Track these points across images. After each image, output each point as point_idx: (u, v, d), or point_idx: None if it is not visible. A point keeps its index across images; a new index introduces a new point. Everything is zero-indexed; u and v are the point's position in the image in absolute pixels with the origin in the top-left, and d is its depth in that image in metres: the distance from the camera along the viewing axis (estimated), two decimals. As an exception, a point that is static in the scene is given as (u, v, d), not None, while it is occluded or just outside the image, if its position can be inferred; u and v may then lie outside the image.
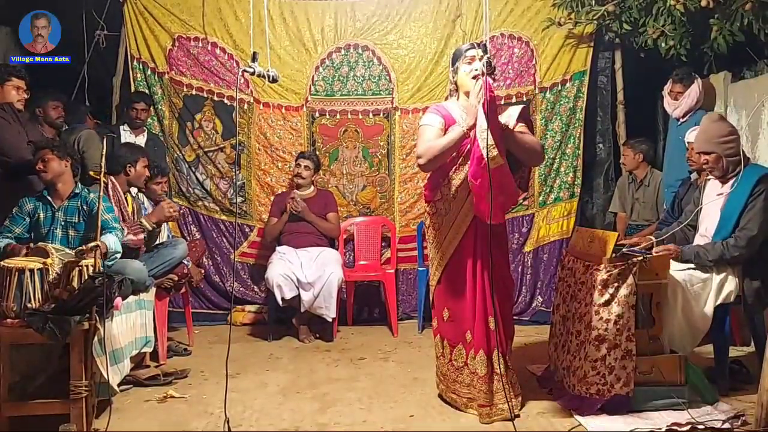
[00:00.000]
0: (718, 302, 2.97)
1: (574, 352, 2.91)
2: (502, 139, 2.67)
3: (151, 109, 4.62)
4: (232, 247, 4.76)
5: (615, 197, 4.71)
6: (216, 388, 3.19)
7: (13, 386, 2.71)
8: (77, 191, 3.22)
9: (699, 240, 3.17)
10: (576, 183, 4.84)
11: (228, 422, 2.58)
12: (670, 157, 4.37)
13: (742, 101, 4.05)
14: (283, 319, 4.39)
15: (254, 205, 4.83)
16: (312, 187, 4.57)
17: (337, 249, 4.53)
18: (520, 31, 4.76)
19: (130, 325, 3.06)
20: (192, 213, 4.82)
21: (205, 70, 4.76)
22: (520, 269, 4.80)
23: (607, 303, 2.77)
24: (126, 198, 3.61)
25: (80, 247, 2.83)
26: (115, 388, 2.85)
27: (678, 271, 2.97)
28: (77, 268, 2.69)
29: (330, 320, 4.17)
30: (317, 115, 4.83)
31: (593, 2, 4.45)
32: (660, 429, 2.62)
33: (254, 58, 2.70)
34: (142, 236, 3.48)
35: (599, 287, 2.78)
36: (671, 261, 2.96)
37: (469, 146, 2.77)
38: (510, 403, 2.71)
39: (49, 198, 3.18)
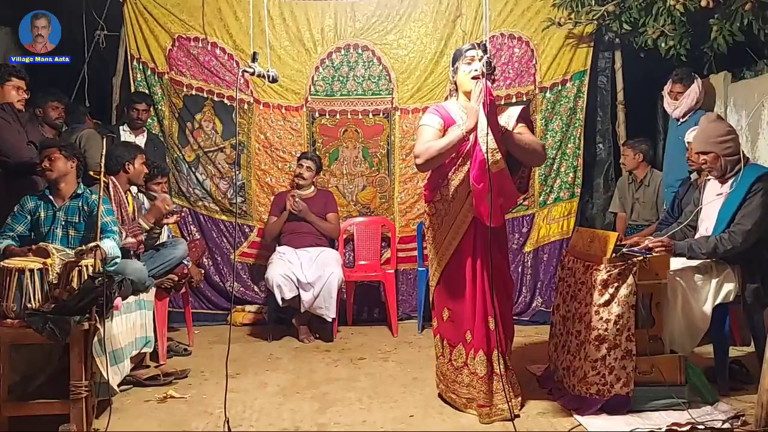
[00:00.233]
0: (718, 302, 2.97)
1: (574, 352, 2.91)
2: (502, 141, 2.67)
3: (151, 109, 4.62)
4: (232, 247, 4.76)
5: (615, 197, 4.71)
6: (216, 388, 3.20)
7: (13, 386, 2.71)
8: (80, 192, 3.22)
9: (699, 240, 3.17)
10: (576, 183, 4.85)
11: (228, 422, 2.58)
12: (670, 157, 4.37)
13: (742, 101, 4.05)
14: (283, 319, 4.39)
15: (254, 205, 4.83)
16: (312, 187, 4.57)
17: (336, 249, 4.53)
18: (520, 31, 4.76)
19: (130, 325, 3.06)
20: (192, 213, 4.82)
21: (205, 70, 4.76)
22: (520, 269, 4.80)
23: (607, 303, 2.78)
24: (126, 197, 3.60)
25: (80, 248, 2.83)
26: (115, 388, 2.85)
27: (678, 271, 2.97)
28: (77, 269, 2.69)
29: (330, 320, 4.17)
30: (317, 115, 4.83)
31: (593, 2, 4.45)
32: (660, 429, 2.62)
33: (254, 59, 2.70)
34: (141, 237, 3.48)
35: (599, 287, 2.79)
36: (671, 260, 2.96)
37: (468, 147, 2.77)
38: (510, 404, 2.71)
39: (51, 197, 3.18)
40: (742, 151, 3.10)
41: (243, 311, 4.70)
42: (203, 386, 3.31)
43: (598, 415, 2.77)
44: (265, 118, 4.80)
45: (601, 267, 2.81)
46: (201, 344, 4.12)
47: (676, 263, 3.00)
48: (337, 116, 4.83)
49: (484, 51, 2.73)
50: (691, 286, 2.95)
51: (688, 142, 3.68)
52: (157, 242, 3.76)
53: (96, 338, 2.64)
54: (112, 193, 3.47)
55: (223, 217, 4.82)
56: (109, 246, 3.08)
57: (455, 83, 2.96)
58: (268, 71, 2.79)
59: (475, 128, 2.70)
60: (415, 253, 4.73)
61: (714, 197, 3.14)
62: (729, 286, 2.98)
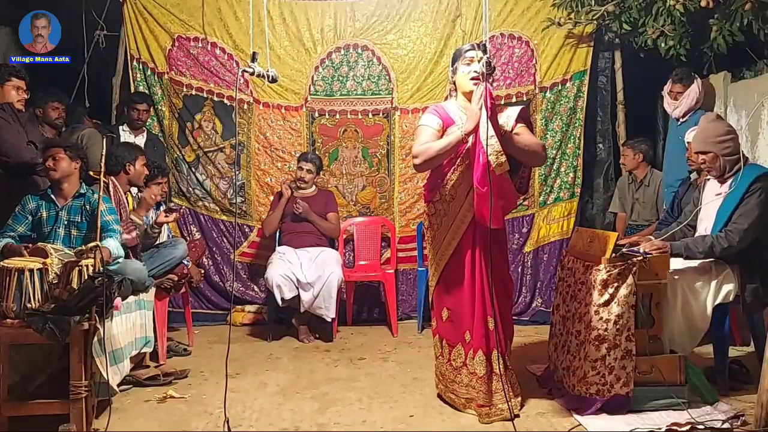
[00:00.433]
0: (718, 302, 2.97)
1: (573, 352, 2.92)
2: (501, 142, 2.68)
3: (151, 109, 4.62)
4: (232, 247, 4.76)
5: (615, 197, 4.71)
6: (216, 388, 3.20)
7: (13, 386, 2.71)
8: (82, 192, 3.22)
9: (698, 240, 3.17)
10: (576, 183, 4.85)
11: (228, 422, 2.58)
12: (669, 157, 4.37)
13: (742, 101, 4.05)
14: (283, 320, 4.39)
15: (254, 205, 4.83)
16: (313, 187, 4.57)
17: (336, 249, 4.53)
18: (520, 31, 4.76)
19: (129, 325, 3.06)
20: (192, 213, 4.82)
21: (204, 70, 4.76)
22: (520, 269, 4.80)
23: (607, 303, 2.78)
24: (126, 198, 3.61)
25: (80, 247, 2.83)
26: (115, 388, 2.85)
27: (678, 271, 2.97)
28: (77, 269, 2.69)
29: (330, 320, 4.17)
30: (317, 115, 4.83)
31: (593, 2, 4.45)
32: (660, 429, 2.62)
33: (254, 58, 2.70)
34: (134, 233, 3.47)
35: (599, 287, 2.79)
36: (671, 260, 2.96)
37: (467, 148, 2.77)
38: (509, 403, 2.71)
39: (53, 197, 3.18)
40: (742, 151, 3.10)
41: (243, 311, 4.70)
42: (203, 386, 3.31)
43: (598, 415, 2.78)
44: (264, 118, 4.80)
45: (600, 267, 2.81)
46: (201, 344, 4.12)
47: (676, 263, 3.00)
48: (337, 116, 4.83)
49: (484, 51, 2.73)
50: (690, 286, 2.95)
51: (687, 142, 3.68)
52: (157, 242, 3.76)
53: (96, 338, 2.64)
54: (111, 193, 3.47)
55: (223, 217, 4.82)
56: (113, 246, 3.08)
57: (454, 83, 2.95)
58: (267, 71, 2.79)
59: (474, 130, 2.70)
60: (415, 253, 4.73)
61: (713, 197, 3.14)
62: (729, 286, 2.98)
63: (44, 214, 3.16)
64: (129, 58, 4.75)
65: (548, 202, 4.86)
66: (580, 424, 2.72)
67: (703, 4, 3.80)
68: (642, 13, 4.32)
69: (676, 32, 4.13)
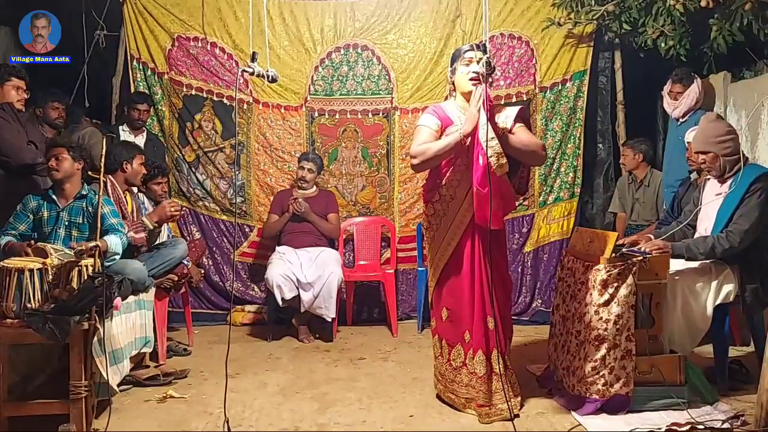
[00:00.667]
0: (718, 302, 2.97)
1: (573, 352, 2.92)
2: (500, 143, 2.68)
3: (152, 109, 4.62)
4: (232, 247, 4.76)
5: (615, 197, 4.71)
6: (216, 388, 3.20)
7: (13, 386, 2.71)
8: (84, 193, 3.22)
9: (698, 240, 3.17)
10: (576, 183, 4.85)
11: (228, 422, 2.58)
12: (669, 157, 4.37)
13: (742, 101, 4.05)
14: (283, 320, 4.39)
15: (254, 205, 4.83)
16: (314, 187, 4.57)
17: (336, 249, 4.53)
18: (520, 31, 4.76)
19: (129, 325, 3.06)
20: (192, 213, 4.82)
21: (204, 70, 4.76)
22: (519, 270, 4.80)
23: (607, 303, 2.78)
24: (125, 197, 3.60)
25: (80, 247, 2.83)
26: (115, 388, 2.85)
27: (678, 271, 2.97)
28: (77, 269, 2.69)
29: (329, 320, 4.17)
30: (316, 114, 4.83)
31: (593, 2, 4.45)
32: (660, 429, 2.62)
33: (254, 58, 2.70)
34: (142, 235, 3.47)
35: (599, 287, 2.79)
36: (671, 261, 2.96)
37: (466, 149, 2.77)
38: (509, 403, 2.71)
39: (54, 197, 3.18)
40: (742, 151, 3.10)
41: (243, 311, 4.70)
42: (203, 386, 3.31)
43: (598, 414, 2.78)
44: (264, 118, 4.80)
45: (600, 267, 2.81)
46: (201, 344, 4.12)
47: (676, 264, 3.00)
48: (337, 116, 4.83)
49: (484, 51, 2.73)
50: (690, 286, 2.95)
51: (687, 142, 3.68)
52: (157, 242, 3.76)
53: (96, 338, 2.64)
54: (110, 192, 3.47)
55: (224, 217, 4.82)
56: (113, 242, 3.08)
57: (453, 84, 2.96)
58: (267, 71, 2.79)
59: (472, 132, 2.71)
60: (415, 253, 4.73)
61: (713, 197, 3.14)
62: (729, 287, 2.98)
63: (45, 215, 3.16)
64: (129, 58, 4.75)
65: (548, 202, 4.86)
66: (580, 424, 2.72)
67: (703, 4, 3.80)
68: (642, 13, 4.32)
69: (676, 32, 4.13)
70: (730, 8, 3.71)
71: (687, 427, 2.60)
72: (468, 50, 2.88)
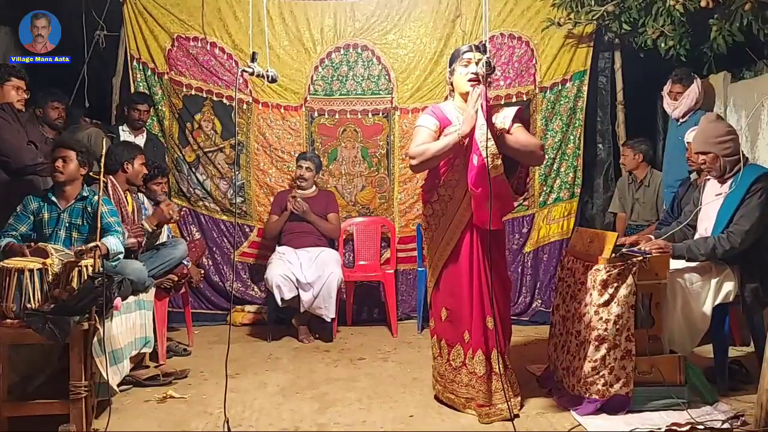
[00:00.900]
0: (717, 302, 2.97)
1: (573, 352, 2.92)
2: (497, 143, 2.68)
3: (152, 109, 4.62)
4: (232, 247, 4.76)
5: (615, 197, 4.71)
6: (216, 388, 3.20)
7: (13, 386, 2.71)
8: (85, 194, 3.21)
9: (698, 240, 3.17)
10: (576, 183, 4.85)
11: (228, 422, 2.58)
12: (669, 157, 4.37)
13: (742, 101, 4.05)
14: (283, 320, 4.39)
15: (254, 205, 4.83)
16: (314, 187, 4.57)
17: (336, 249, 4.52)
18: (520, 31, 4.76)
19: (129, 325, 3.06)
20: (192, 213, 4.82)
21: (204, 70, 4.76)
22: (519, 270, 4.80)
23: (607, 303, 2.78)
24: (126, 197, 3.60)
25: (80, 248, 2.83)
26: (115, 388, 2.85)
27: (677, 271, 2.97)
28: (77, 269, 2.69)
29: (329, 320, 4.18)
30: (316, 114, 4.83)
31: (593, 2, 4.45)
32: (660, 429, 2.62)
33: (253, 58, 2.70)
34: (142, 239, 3.48)
35: (599, 287, 2.79)
36: (671, 261, 2.96)
37: (464, 149, 2.77)
38: (509, 403, 2.71)
39: (54, 199, 3.17)
40: (742, 152, 3.10)
41: (243, 311, 4.70)
42: (203, 386, 3.31)
43: (598, 415, 2.78)
44: (264, 118, 4.80)
45: (600, 267, 2.81)
46: (201, 344, 4.12)
47: (676, 263, 3.00)
48: (336, 116, 4.83)
49: (484, 51, 2.73)
50: (690, 286, 2.95)
51: (687, 143, 3.68)
52: (157, 242, 3.76)
53: (96, 338, 2.64)
54: (110, 193, 3.47)
55: (224, 217, 4.82)
56: (113, 243, 3.08)
57: (452, 84, 2.96)
58: (267, 71, 2.79)
59: (471, 133, 2.71)
60: (415, 253, 4.73)
61: (713, 197, 3.14)
62: (728, 287, 2.98)
63: (46, 216, 3.15)
64: (129, 58, 4.75)
65: (548, 203, 4.86)
66: (580, 424, 2.72)
67: (703, 4, 3.80)
68: (642, 13, 4.32)
69: (675, 32, 4.13)
70: (730, 8, 3.71)
71: (687, 427, 2.60)
72: (467, 51, 2.88)
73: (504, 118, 2.83)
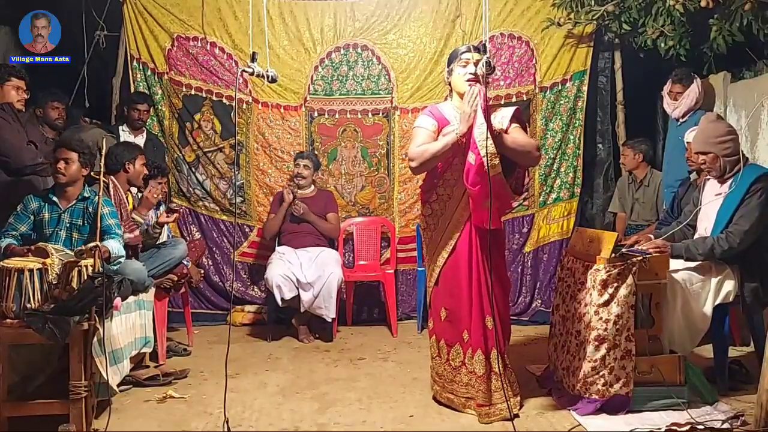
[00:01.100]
0: (717, 302, 2.97)
1: (573, 352, 2.92)
2: (494, 143, 2.68)
3: (152, 109, 4.62)
4: (232, 247, 4.76)
5: (615, 197, 4.71)
6: (215, 388, 3.20)
7: (13, 386, 2.71)
8: (86, 195, 3.21)
9: (698, 240, 3.17)
10: (576, 183, 4.85)
11: (227, 422, 2.58)
12: (669, 157, 4.37)
13: (742, 101, 4.05)
14: (283, 320, 4.39)
15: (253, 205, 4.83)
16: (312, 187, 4.57)
17: (336, 249, 4.52)
18: (520, 31, 4.76)
19: (129, 325, 3.06)
20: (192, 213, 4.82)
21: (204, 69, 4.76)
22: (519, 270, 4.80)
23: (607, 303, 2.78)
24: (127, 197, 3.60)
25: (80, 248, 2.82)
26: (115, 388, 2.85)
27: (677, 271, 2.97)
28: (77, 269, 2.69)
29: (329, 320, 4.17)
30: (316, 114, 4.83)
31: (593, 2, 4.45)
32: (659, 429, 2.62)
33: (253, 58, 2.70)
34: (137, 232, 3.47)
35: (599, 287, 2.79)
36: (670, 261, 2.96)
37: (464, 148, 2.78)
38: (509, 402, 2.71)
39: (55, 199, 3.17)
40: (742, 152, 3.10)
41: (243, 311, 4.70)
42: (203, 386, 3.31)
43: (598, 415, 2.78)
44: (263, 118, 4.80)
45: (600, 267, 2.81)
46: (200, 344, 4.12)
47: (676, 263, 3.00)
48: (336, 116, 4.83)
49: (484, 51, 2.73)
50: (690, 286, 2.95)
51: (687, 143, 3.68)
52: (157, 242, 3.76)
53: (95, 338, 2.64)
54: (112, 193, 3.47)
55: (223, 217, 4.82)
56: (115, 246, 3.08)
57: (450, 84, 2.96)
58: (267, 71, 2.79)
59: (468, 132, 2.71)
60: (415, 253, 4.73)
61: (713, 197, 3.14)
62: (728, 287, 2.98)
63: (46, 216, 3.15)
64: (129, 58, 4.74)
65: (548, 202, 4.86)
66: (580, 424, 2.72)
67: (703, 4, 3.80)
68: (642, 13, 4.32)
69: (675, 32, 4.13)
70: (730, 8, 3.71)
71: (687, 427, 2.60)
72: (465, 52, 2.88)
73: (502, 117, 2.83)
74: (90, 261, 2.74)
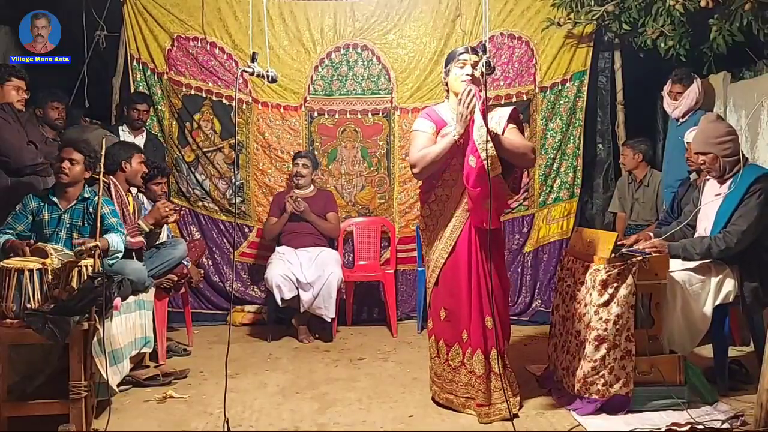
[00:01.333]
0: (717, 302, 2.97)
1: (573, 352, 2.92)
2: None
3: (151, 109, 4.62)
4: (232, 247, 4.76)
5: (614, 197, 4.72)
6: (215, 388, 3.20)
7: (13, 386, 2.71)
8: (86, 195, 3.21)
9: (698, 240, 3.17)
10: (576, 183, 4.85)
11: (227, 422, 2.58)
12: (669, 157, 4.37)
13: (742, 101, 4.05)
14: (283, 320, 4.39)
15: (253, 205, 4.83)
16: (312, 187, 4.57)
17: (336, 249, 4.52)
18: (520, 31, 4.76)
19: (129, 325, 3.06)
20: (192, 213, 4.82)
21: (204, 70, 4.76)
22: (519, 270, 4.80)
23: (607, 303, 2.78)
24: (127, 197, 3.60)
25: (79, 247, 2.82)
26: (115, 388, 2.86)
27: (677, 271, 2.97)
28: (76, 269, 2.69)
29: (329, 320, 4.17)
30: (316, 114, 4.83)
31: (593, 2, 4.46)
32: (659, 429, 2.62)
33: (253, 58, 2.70)
34: (139, 239, 3.47)
35: (599, 287, 2.79)
36: (671, 261, 2.96)
37: (462, 148, 2.78)
38: (508, 402, 2.71)
39: (55, 199, 3.16)
40: (741, 152, 3.10)
41: (242, 311, 4.70)
42: (203, 386, 3.31)
43: (598, 415, 2.78)
44: (263, 118, 4.80)
45: (600, 267, 2.81)
46: (200, 344, 4.12)
47: (676, 264, 3.00)
48: (336, 116, 4.83)
49: (484, 51, 2.73)
50: (690, 286, 2.95)
51: (687, 143, 3.68)
52: (157, 242, 3.76)
53: (95, 338, 2.64)
54: (113, 193, 3.47)
55: (223, 217, 4.82)
56: (115, 240, 3.07)
57: (447, 85, 2.96)
58: (267, 71, 2.79)
59: (466, 133, 2.71)
60: (415, 253, 4.73)
61: (713, 197, 3.14)
62: (728, 287, 2.98)
63: (46, 217, 3.14)
64: (129, 58, 4.74)
65: (548, 202, 4.86)
66: (580, 424, 2.72)
67: (702, 4, 3.80)
68: (642, 13, 4.32)
69: (675, 32, 4.14)
70: (729, 8, 3.71)
71: (687, 428, 2.60)
72: (463, 52, 2.89)
73: (499, 118, 2.84)
74: (90, 261, 2.74)
